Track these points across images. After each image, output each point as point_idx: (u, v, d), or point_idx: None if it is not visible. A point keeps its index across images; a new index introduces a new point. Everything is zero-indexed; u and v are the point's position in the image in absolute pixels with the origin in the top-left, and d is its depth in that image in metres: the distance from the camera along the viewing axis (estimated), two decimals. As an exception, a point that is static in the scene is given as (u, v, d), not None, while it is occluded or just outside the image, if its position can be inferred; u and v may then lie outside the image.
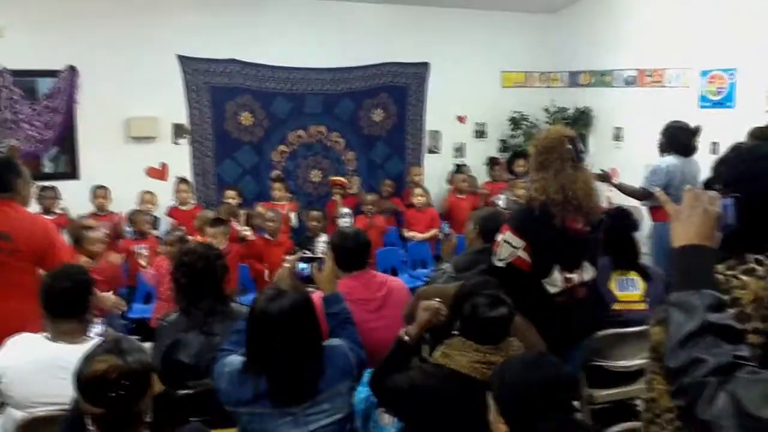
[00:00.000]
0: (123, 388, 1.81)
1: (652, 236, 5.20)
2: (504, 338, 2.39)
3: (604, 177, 5.29)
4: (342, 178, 7.23)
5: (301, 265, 2.90)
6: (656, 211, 5.00)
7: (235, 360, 2.43)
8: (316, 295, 2.86)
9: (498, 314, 2.34)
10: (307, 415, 2.32)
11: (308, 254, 3.10)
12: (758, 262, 1.67)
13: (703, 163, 5.38)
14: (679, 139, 5.21)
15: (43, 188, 5.76)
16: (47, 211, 5.65)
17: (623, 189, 5.32)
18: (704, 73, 6.61)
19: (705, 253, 1.43)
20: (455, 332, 2.42)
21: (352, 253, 3.37)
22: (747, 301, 1.64)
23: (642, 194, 5.13)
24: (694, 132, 5.20)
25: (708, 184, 1.77)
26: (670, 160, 5.18)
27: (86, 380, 1.83)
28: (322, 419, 2.34)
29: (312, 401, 2.32)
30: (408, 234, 6.84)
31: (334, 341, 2.56)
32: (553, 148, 2.95)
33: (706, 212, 1.46)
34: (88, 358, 1.88)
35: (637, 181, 5.41)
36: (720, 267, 1.71)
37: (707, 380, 1.24)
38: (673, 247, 1.48)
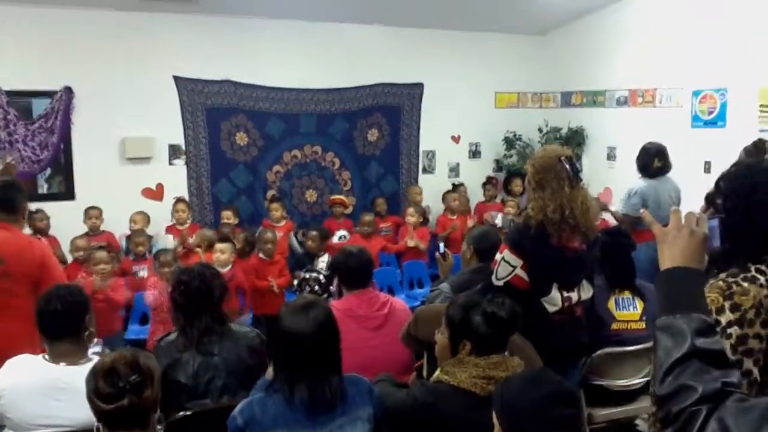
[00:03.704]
0: (132, 381, 1.87)
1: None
2: (506, 342, 2.39)
3: (602, 207, 5.44)
4: (342, 197, 7.26)
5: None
6: (634, 231, 5.04)
7: (251, 397, 2.37)
8: None
9: (505, 313, 2.35)
10: None
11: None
12: (759, 272, 1.71)
13: (696, 181, 5.46)
14: (642, 162, 5.34)
15: (35, 211, 5.71)
16: (40, 232, 5.61)
17: (616, 217, 5.41)
18: (696, 93, 6.68)
19: (692, 275, 1.41)
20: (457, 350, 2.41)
21: (355, 271, 3.37)
22: (748, 307, 1.66)
23: (631, 220, 5.14)
24: (654, 154, 5.29)
25: (709, 199, 1.80)
26: (641, 182, 5.31)
27: (96, 374, 1.89)
28: None
29: (335, 423, 2.28)
30: (409, 241, 6.81)
31: (360, 377, 2.52)
32: (550, 168, 2.96)
33: (692, 234, 1.44)
34: (98, 360, 1.97)
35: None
36: (722, 275, 1.74)
37: (696, 408, 1.21)
38: (660, 269, 1.45)
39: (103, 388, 1.87)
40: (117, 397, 1.85)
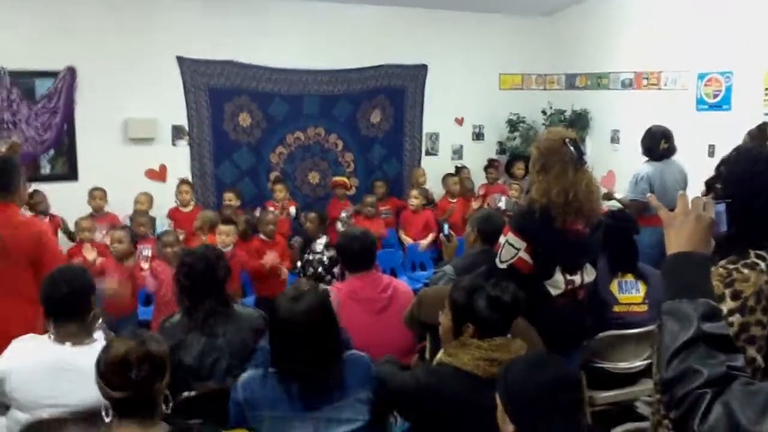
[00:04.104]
0: (143, 370, 1.87)
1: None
2: (509, 326, 2.41)
3: (608, 196, 5.41)
4: (344, 178, 7.26)
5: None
6: (640, 215, 5.04)
7: (253, 371, 2.41)
8: None
9: (508, 297, 2.37)
10: (329, 420, 2.31)
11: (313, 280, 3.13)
12: (760, 258, 1.71)
13: (700, 165, 5.43)
14: (647, 144, 5.31)
15: (31, 193, 5.69)
16: (42, 213, 5.60)
17: (623, 203, 5.37)
18: (701, 76, 6.65)
19: (698, 260, 1.41)
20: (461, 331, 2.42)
21: (358, 253, 3.39)
22: (749, 294, 1.67)
23: (639, 206, 5.13)
24: (660, 137, 5.26)
25: (709, 184, 1.80)
26: (646, 167, 5.27)
27: (107, 363, 1.89)
28: (342, 425, 2.32)
29: (333, 406, 2.31)
30: (403, 237, 6.84)
31: (360, 352, 2.55)
32: (554, 150, 2.95)
33: (699, 218, 1.44)
34: (109, 345, 1.95)
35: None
36: (722, 261, 1.74)
37: (701, 392, 1.23)
38: (666, 254, 1.46)
39: (114, 380, 1.88)
40: (127, 387, 1.87)
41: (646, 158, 5.36)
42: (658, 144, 5.27)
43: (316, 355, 2.28)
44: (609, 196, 5.41)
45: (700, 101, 6.68)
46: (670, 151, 5.29)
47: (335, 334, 2.38)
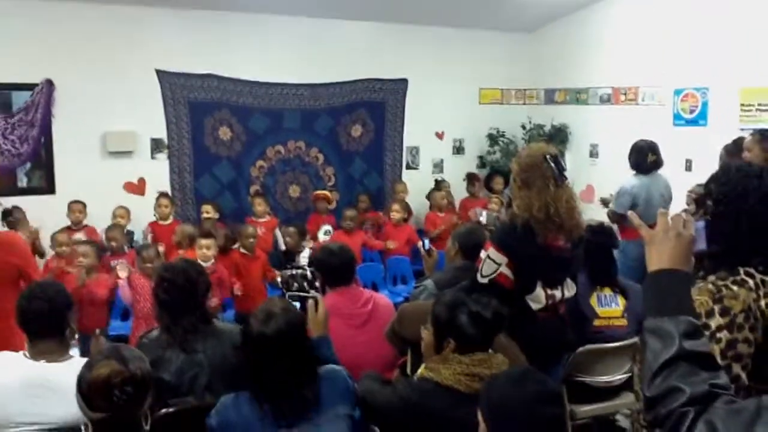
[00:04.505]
0: (126, 393, 1.84)
1: (620, 253, 5.33)
2: (491, 342, 2.40)
3: (605, 202, 5.48)
4: (326, 192, 7.25)
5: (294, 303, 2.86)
6: (624, 229, 5.08)
7: (226, 396, 2.39)
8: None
9: (489, 313, 2.36)
10: None
11: (298, 292, 3.07)
12: (749, 275, 1.72)
13: (677, 179, 5.51)
14: (635, 159, 5.37)
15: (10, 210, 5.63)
16: (17, 227, 5.50)
17: (607, 213, 5.43)
18: (678, 92, 6.75)
19: (679, 277, 1.42)
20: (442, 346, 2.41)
21: (337, 269, 3.37)
22: (738, 311, 1.68)
23: (615, 217, 5.21)
24: (647, 150, 5.32)
25: (699, 201, 1.82)
26: (633, 180, 5.32)
27: (89, 385, 1.85)
28: None
29: (310, 423, 2.29)
30: (389, 244, 6.82)
31: (336, 367, 2.53)
32: (535, 166, 2.98)
33: (679, 236, 1.45)
34: (90, 365, 1.90)
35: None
36: (711, 277, 1.75)
37: (684, 410, 1.22)
38: (647, 272, 1.46)
39: (96, 401, 1.84)
40: (110, 408, 1.83)
41: (634, 172, 5.40)
42: (645, 157, 5.32)
43: (288, 373, 2.28)
44: (606, 202, 5.49)
45: (677, 116, 6.77)
46: (658, 164, 5.35)
47: (307, 352, 2.37)
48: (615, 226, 5.38)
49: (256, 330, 2.32)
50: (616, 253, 5.25)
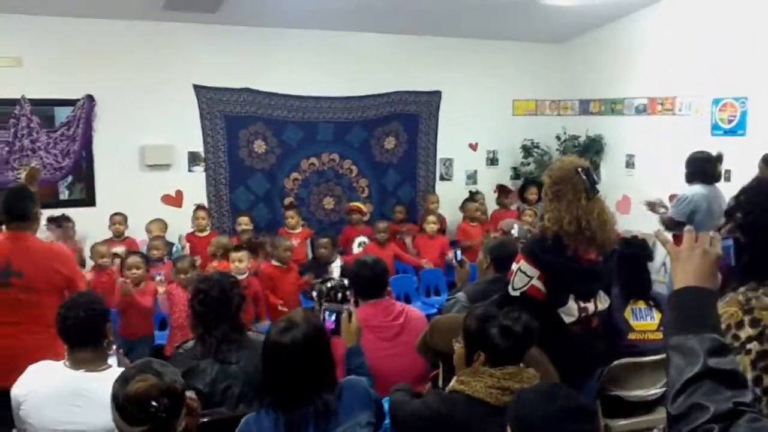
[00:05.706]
0: (163, 406, 1.86)
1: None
2: (522, 356, 2.40)
3: (652, 207, 5.36)
4: (359, 204, 7.29)
5: (327, 314, 2.88)
6: (678, 239, 4.98)
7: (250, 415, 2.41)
8: (339, 344, 2.86)
9: (520, 327, 2.36)
10: None
11: (333, 305, 3.08)
12: None
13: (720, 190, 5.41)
14: (700, 168, 5.24)
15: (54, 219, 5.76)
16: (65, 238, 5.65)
17: (662, 219, 5.32)
18: (716, 101, 6.64)
19: (704, 295, 1.40)
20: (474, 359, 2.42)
21: (370, 281, 3.39)
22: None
23: (672, 224, 5.10)
24: (715, 160, 5.22)
25: (729, 214, 1.79)
26: (695, 189, 5.19)
27: (127, 399, 1.88)
28: None
29: None
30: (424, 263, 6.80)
31: (357, 378, 2.54)
32: (566, 179, 2.97)
33: (705, 254, 1.44)
34: (125, 379, 1.92)
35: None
36: (741, 288, 1.72)
37: (708, 427, 1.21)
38: (673, 289, 1.46)
39: (132, 415, 1.87)
40: (145, 422, 1.86)
41: (691, 183, 5.26)
42: (715, 167, 5.22)
43: (305, 383, 2.30)
44: (653, 206, 5.37)
45: (715, 126, 6.66)
46: (720, 175, 5.25)
47: (327, 363, 2.38)
48: (669, 234, 5.34)
49: (272, 340, 2.36)
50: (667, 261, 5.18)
